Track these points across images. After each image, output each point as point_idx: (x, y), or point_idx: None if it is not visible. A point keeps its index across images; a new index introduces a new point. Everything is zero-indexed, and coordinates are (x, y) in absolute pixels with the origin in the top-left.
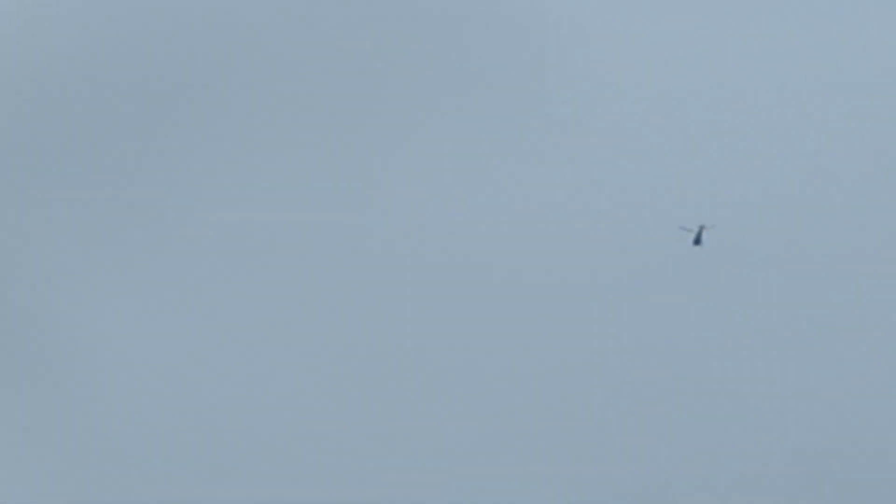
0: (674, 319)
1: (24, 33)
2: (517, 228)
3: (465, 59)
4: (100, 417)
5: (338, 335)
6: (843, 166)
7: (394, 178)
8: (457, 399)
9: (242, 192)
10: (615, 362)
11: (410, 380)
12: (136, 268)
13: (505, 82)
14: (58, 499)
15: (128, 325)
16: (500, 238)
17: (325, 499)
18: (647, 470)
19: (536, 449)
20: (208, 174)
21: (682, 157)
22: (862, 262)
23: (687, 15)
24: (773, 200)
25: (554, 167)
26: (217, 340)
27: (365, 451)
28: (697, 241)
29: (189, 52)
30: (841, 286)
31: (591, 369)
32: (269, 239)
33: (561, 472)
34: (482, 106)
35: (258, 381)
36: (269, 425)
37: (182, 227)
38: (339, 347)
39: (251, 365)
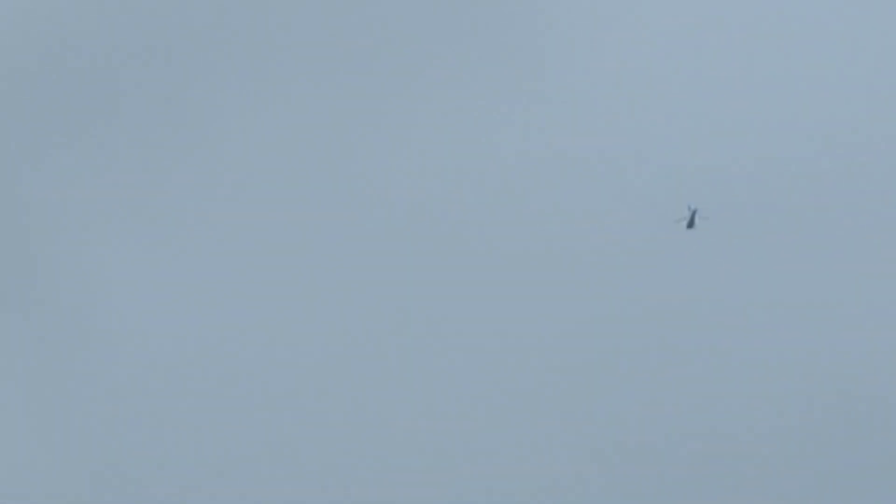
0: (669, 306)
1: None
2: (506, 202)
3: (458, 14)
4: (103, 370)
5: (338, 296)
6: (839, 150)
7: (391, 130)
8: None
9: (246, 142)
10: (610, 348)
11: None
12: (144, 213)
13: (498, 50)
14: (60, 450)
15: (135, 274)
16: (488, 210)
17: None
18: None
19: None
20: (215, 117)
21: (676, 140)
22: (860, 250)
23: None
24: (767, 183)
25: (548, 156)
26: (224, 290)
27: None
28: (691, 225)
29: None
30: (837, 277)
31: (584, 356)
32: (271, 193)
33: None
34: (473, 66)
35: (268, 326)
36: (277, 374)
37: (189, 177)
38: (341, 310)
39: (260, 310)
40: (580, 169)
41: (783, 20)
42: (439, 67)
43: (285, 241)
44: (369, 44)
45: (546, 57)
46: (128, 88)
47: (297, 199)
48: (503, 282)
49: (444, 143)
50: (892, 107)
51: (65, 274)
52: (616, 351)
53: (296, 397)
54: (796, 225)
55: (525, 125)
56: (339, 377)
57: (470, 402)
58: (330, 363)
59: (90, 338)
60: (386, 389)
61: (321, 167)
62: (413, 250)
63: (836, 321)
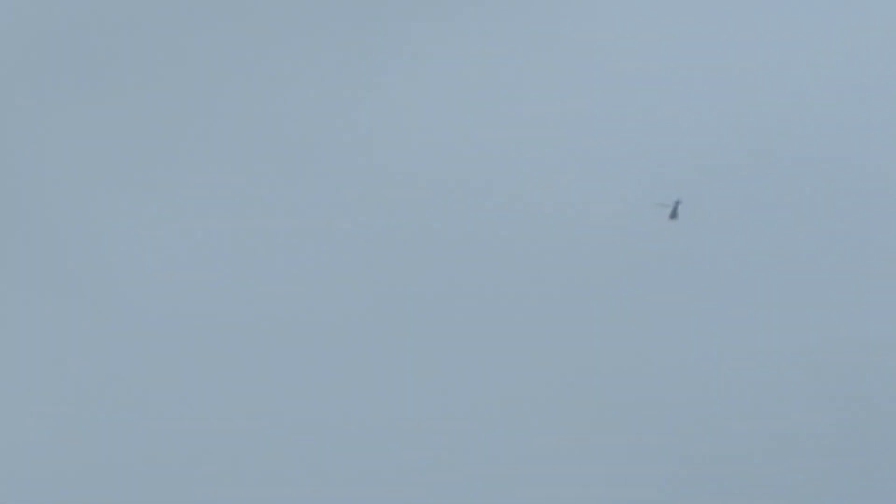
0: (660, 301)
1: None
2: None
3: None
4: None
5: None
6: (835, 145)
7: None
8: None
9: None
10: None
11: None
12: (153, 178)
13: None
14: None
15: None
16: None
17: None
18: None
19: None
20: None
21: (665, 131)
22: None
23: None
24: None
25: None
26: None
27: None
28: (674, 216)
29: None
30: (834, 273)
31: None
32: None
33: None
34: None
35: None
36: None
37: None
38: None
39: (268, 276)
40: (570, 161)
41: (780, 15)
42: (428, 60)
43: (302, 214)
44: (366, 35)
45: (536, 48)
46: (134, 61)
47: (310, 180)
48: (499, 280)
49: (440, 136)
50: (887, 101)
51: (74, 243)
52: (614, 349)
53: (305, 386)
54: (789, 219)
55: (516, 120)
56: (347, 356)
57: (467, 400)
58: (339, 346)
59: (101, 306)
60: (385, 374)
61: (327, 148)
62: (405, 237)
63: (834, 318)
